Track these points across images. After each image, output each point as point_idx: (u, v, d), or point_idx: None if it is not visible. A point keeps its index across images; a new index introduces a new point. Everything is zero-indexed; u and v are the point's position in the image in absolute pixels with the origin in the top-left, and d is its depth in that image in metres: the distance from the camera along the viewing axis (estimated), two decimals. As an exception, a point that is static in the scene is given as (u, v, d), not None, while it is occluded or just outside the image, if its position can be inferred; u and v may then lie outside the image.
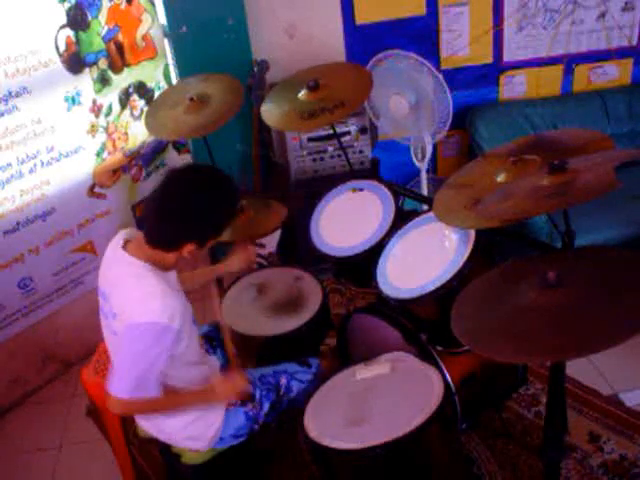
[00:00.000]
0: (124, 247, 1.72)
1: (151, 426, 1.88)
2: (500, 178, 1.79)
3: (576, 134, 1.90)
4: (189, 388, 1.79)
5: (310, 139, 3.26)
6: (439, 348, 1.98)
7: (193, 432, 1.81)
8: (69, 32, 2.67)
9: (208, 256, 2.84)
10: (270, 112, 2.39)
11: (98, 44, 2.79)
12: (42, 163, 2.71)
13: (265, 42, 3.38)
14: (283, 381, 1.98)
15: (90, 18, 2.73)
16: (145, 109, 2.97)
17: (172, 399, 1.75)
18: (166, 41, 3.15)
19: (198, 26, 3.16)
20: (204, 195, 1.64)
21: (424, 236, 2.09)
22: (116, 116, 2.94)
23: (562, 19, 3.44)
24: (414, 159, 3.17)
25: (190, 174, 1.71)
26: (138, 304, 1.62)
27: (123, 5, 2.86)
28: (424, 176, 3.19)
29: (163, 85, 3.11)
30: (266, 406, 1.93)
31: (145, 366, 1.62)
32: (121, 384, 1.63)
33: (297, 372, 2.02)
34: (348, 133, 3.26)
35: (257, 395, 1.92)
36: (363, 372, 1.90)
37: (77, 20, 2.68)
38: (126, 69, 2.93)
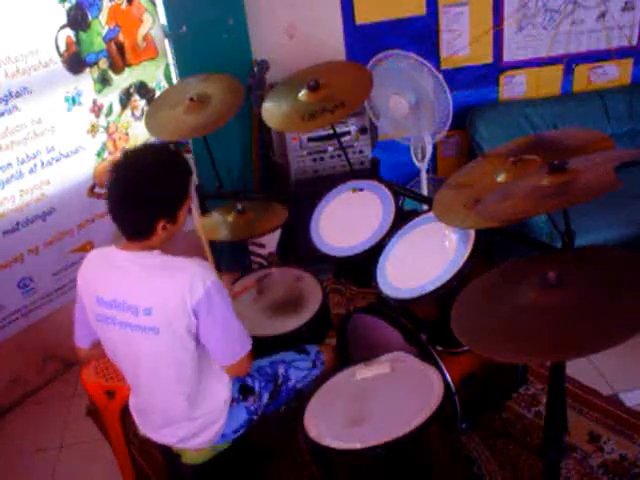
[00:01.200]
0: (121, 249, 1.72)
1: (158, 436, 1.87)
2: (500, 178, 1.79)
3: (576, 134, 1.90)
4: None
5: (310, 139, 3.26)
6: (439, 348, 1.98)
7: (197, 431, 1.81)
8: (69, 32, 2.67)
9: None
10: (270, 113, 2.39)
11: (99, 44, 2.79)
12: (42, 163, 2.71)
13: (265, 42, 3.38)
14: (281, 370, 1.98)
15: (90, 18, 2.74)
16: (146, 109, 2.98)
17: None
18: (166, 41, 3.15)
19: (198, 26, 3.16)
20: (151, 175, 1.66)
21: (424, 236, 2.09)
22: (117, 116, 2.95)
23: (562, 19, 3.44)
24: (414, 159, 3.17)
25: (131, 161, 1.71)
26: (189, 278, 1.63)
27: (124, 5, 2.86)
28: (424, 176, 3.19)
29: (164, 85, 3.11)
30: (265, 397, 1.93)
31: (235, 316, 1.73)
32: (244, 341, 1.75)
33: (295, 360, 2.02)
34: (348, 133, 3.26)
35: (256, 387, 1.91)
36: (363, 372, 1.90)
37: (77, 20, 2.69)
38: (127, 69, 2.94)
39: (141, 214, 1.66)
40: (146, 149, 1.77)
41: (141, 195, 1.64)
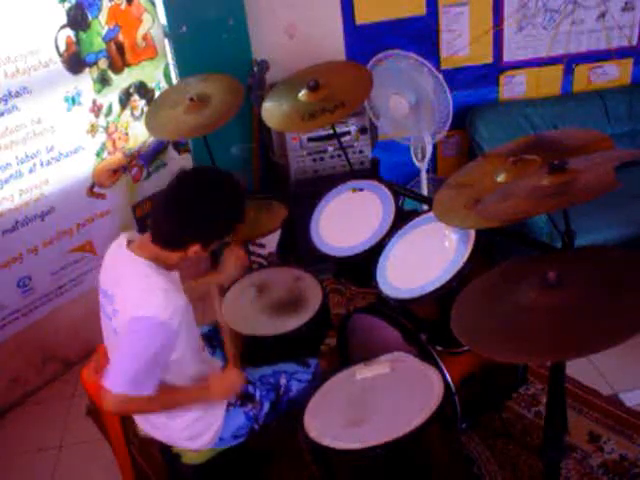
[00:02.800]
0: (128, 247, 1.73)
1: (152, 429, 1.88)
2: (500, 178, 1.79)
3: (576, 134, 1.90)
4: (187, 387, 1.79)
5: (310, 139, 3.26)
6: (439, 348, 1.98)
7: (193, 432, 1.81)
8: (69, 32, 2.67)
9: (209, 258, 2.84)
10: (270, 113, 2.39)
11: (98, 44, 2.79)
12: (42, 163, 2.71)
13: (265, 42, 3.38)
14: (283, 381, 1.99)
15: (90, 18, 2.73)
16: (146, 109, 2.97)
17: (168, 398, 1.73)
18: (166, 41, 3.15)
19: (198, 26, 3.16)
20: (210, 198, 1.67)
21: (424, 236, 2.09)
22: (116, 116, 2.94)
23: (562, 19, 3.44)
24: (414, 159, 3.17)
25: (198, 177, 1.75)
26: (140, 299, 1.62)
27: (123, 5, 2.86)
28: (424, 176, 3.19)
29: (164, 85, 3.11)
30: (266, 406, 1.93)
31: (142, 363, 1.61)
32: (117, 379, 1.62)
33: (296, 372, 2.03)
34: (348, 133, 3.25)
35: (257, 395, 1.92)
36: (363, 372, 1.90)
37: (77, 20, 2.68)
38: (126, 69, 2.93)
39: (180, 230, 1.67)
40: (218, 173, 1.77)
41: (192, 211, 1.65)
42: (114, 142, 2.97)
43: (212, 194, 1.68)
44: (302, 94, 2.33)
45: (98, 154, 2.91)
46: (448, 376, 1.87)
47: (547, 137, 2.00)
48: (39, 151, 2.69)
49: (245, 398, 1.90)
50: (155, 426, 1.87)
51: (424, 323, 2.03)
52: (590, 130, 1.88)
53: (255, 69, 3.28)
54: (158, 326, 1.60)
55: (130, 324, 1.62)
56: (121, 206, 3.07)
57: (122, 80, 2.93)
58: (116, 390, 1.61)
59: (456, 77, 3.48)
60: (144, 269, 1.68)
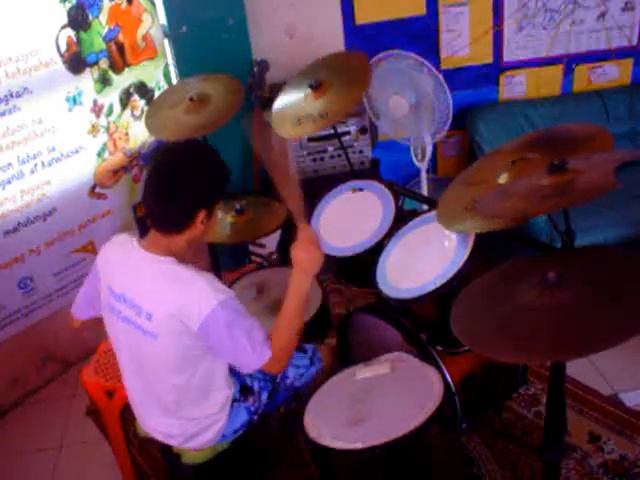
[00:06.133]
0: (141, 247, 1.71)
1: (156, 432, 1.87)
2: (503, 178, 1.79)
3: (583, 127, 1.88)
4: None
5: (310, 139, 3.26)
6: (439, 348, 1.98)
7: (197, 431, 1.81)
8: (70, 32, 2.67)
9: (209, 255, 2.84)
10: (282, 121, 2.37)
11: (99, 44, 2.79)
12: (43, 163, 2.71)
13: (265, 42, 3.38)
14: None
15: (91, 18, 2.74)
16: (146, 109, 2.98)
17: (289, 315, 1.78)
18: (166, 41, 3.15)
19: (198, 26, 3.16)
20: (195, 163, 1.67)
21: (424, 236, 2.09)
22: (117, 116, 2.95)
23: (562, 19, 3.44)
24: (414, 159, 3.17)
25: (173, 152, 1.77)
26: (196, 294, 1.61)
27: (124, 5, 2.86)
28: (424, 176, 3.20)
29: (163, 85, 3.11)
30: (264, 396, 1.93)
31: (250, 331, 1.66)
32: (258, 353, 1.66)
33: (292, 357, 2.02)
34: (348, 133, 3.26)
35: (255, 387, 1.91)
36: (363, 372, 1.90)
37: (78, 20, 2.69)
38: (127, 69, 2.94)
39: (183, 202, 1.64)
40: (186, 142, 1.78)
41: (186, 179, 1.63)
42: (115, 142, 2.97)
43: (197, 160, 1.68)
44: (305, 94, 2.32)
45: (99, 154, 2.91)
46: (448, 376, 1.87)
47: (555, 131, 1.98)
48: (40, 152, 2.69)
49: (246, 391, 1.89)
50: (161, 432, 1.85)
51: (424, 323, 2.03)
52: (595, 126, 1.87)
53: (255, 69, 3.28)
54: (230, 301, 1.63)
55: (211, 320, 1.60)
56: (122, 206, 3.07)
57: (122, 80, 2.93)
58: (268, 357, 1.67)
59: (456, 77, 3.48)
60: (171, 266, 1.66)
